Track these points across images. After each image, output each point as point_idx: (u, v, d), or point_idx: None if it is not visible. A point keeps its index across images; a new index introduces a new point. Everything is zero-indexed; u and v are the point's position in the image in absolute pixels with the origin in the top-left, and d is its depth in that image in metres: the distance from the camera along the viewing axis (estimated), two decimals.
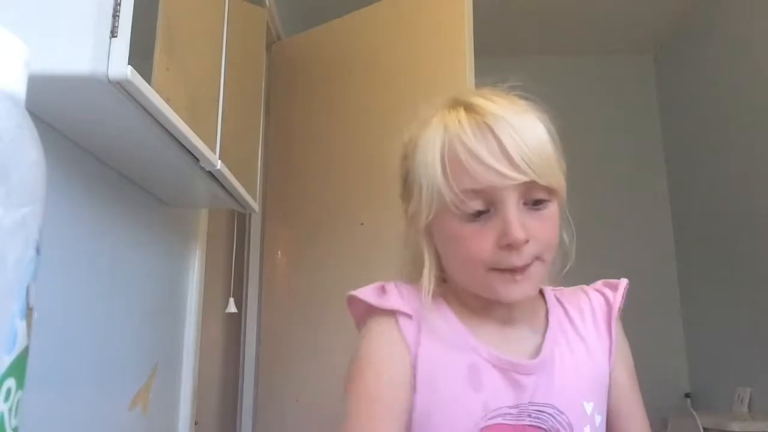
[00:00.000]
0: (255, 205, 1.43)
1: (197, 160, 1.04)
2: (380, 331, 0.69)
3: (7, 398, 0.27)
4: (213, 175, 1.13)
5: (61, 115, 0.85)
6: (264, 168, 2.28)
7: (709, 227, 3.27)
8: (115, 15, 0.72)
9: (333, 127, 2.31)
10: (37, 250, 0.30)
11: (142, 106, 0.81)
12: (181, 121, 0.89)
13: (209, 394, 2.26)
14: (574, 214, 0.72)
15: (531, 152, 0.62)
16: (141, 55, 0.76)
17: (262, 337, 2.35)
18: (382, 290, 0.70)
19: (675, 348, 3.48)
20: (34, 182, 0.30)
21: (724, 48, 3.16)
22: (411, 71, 2.08)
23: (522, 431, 0.65)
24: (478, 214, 0.64)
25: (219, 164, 1.08)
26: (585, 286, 0.79)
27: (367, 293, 0.70)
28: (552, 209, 0.66)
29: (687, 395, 3.39)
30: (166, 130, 0.89)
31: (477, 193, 0.63)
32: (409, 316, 0.68)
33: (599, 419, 0.70)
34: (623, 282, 0.77)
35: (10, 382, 0.28)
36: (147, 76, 0.77)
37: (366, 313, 0.71)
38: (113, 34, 0.72)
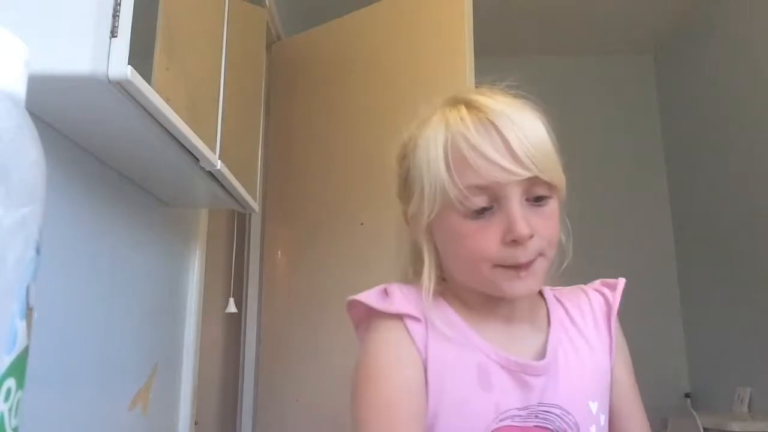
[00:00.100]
0: (255, 205, 1.43)
1: (197, 160, 1.04)
2: (388, 335, 0.67)
3: (7, 398, 0.27)
4: (213, 175, 1.13)
5: (61, 115, 0.85)
6: (264, 168, 2.28)
7: (709, 227, 3.27)
8: (115, 15, 0.72)
9: (333, 127, 2.31)
10: (37, 250, 0.30)
11: (142, 106, 0.81)
12: (181, 121, 0.89)
13: (209, 394, 2.25)
14: (573, 214, 0.72)
15: (533, 148, 0.63)
16: (141, 55, 0.76)
17: (262, 337, 2.34)
18: (385, 293, 0.69)
19: (675, 348, 3.47)
20: (34, 182, 0.30)
21: (724, 48, 3.15)
22: (411, 71, 2.08)
23: None
24: (482, 211, 0.64)
25: (219, 164, 1.08)
26: (583, 286, 0.79)
27: (370, 297, 0.69)
28: (553, 206, 0.66)
29: (687, 395, 3.38)
30: (166, 130, 0.89)
31: (481, 189, 0.63)
32: (417, 319, 0.67)
33: (603, 419, 0.70)
34: (621, 281, 0.77)
35: (10, 382, 0.28)
36: (147, 76, 0.77)
37: (366, 316, 0.70)
38: (113, 34, 0.72)
